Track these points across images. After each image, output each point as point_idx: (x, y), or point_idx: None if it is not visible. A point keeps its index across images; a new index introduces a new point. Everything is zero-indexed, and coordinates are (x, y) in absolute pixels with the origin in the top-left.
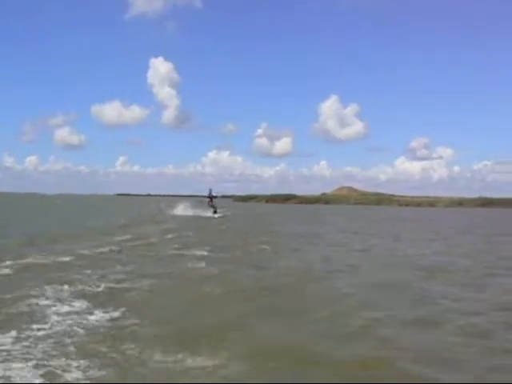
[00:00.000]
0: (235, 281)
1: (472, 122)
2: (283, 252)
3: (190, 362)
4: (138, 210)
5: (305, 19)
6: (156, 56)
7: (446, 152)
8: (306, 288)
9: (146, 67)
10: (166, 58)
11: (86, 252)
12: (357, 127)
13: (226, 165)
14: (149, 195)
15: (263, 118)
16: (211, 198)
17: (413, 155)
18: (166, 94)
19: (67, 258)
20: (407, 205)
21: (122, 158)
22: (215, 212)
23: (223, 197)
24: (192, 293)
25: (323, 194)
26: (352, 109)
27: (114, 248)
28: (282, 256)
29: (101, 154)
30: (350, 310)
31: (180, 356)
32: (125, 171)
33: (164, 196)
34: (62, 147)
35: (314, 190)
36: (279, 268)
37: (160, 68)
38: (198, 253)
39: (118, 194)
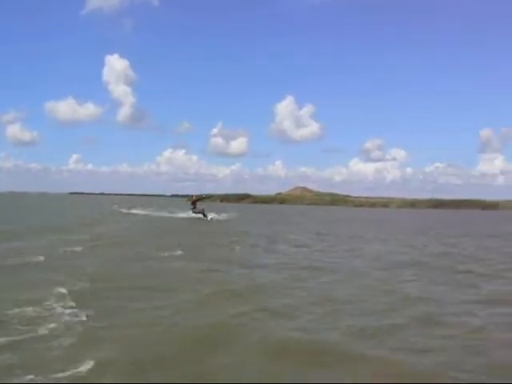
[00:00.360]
0: (220, 281)
1: (425, 125)
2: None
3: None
4: (96, 210)
5: (261, 20)
6: (112, 53)
7: (400, 154)
8: (288, 287)
9: (102, 64)
10: (122, 55)
11: (55, 251)
12: (312, 128)
13: (181, 164)
14: (102, 194)
15: (219, 118)
16: (194, 201)
17: (367, 156)
18: (121, 91)
19: (38, 259)
20: (361, 205)
21: (75, 156)
22: (204, 215)
23: (172, 196)
24: (175, 292)
25: (278, 194)
26: (308, 110)
27: (80, 248)
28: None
29: (54, 152)
30: (339, 307)
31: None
32: (78, 169)
33: (118, 195)
34: (13, 144)
35: (269, 190)
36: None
37: (116, 65)
38: (174, 253)
39: (71, 193)
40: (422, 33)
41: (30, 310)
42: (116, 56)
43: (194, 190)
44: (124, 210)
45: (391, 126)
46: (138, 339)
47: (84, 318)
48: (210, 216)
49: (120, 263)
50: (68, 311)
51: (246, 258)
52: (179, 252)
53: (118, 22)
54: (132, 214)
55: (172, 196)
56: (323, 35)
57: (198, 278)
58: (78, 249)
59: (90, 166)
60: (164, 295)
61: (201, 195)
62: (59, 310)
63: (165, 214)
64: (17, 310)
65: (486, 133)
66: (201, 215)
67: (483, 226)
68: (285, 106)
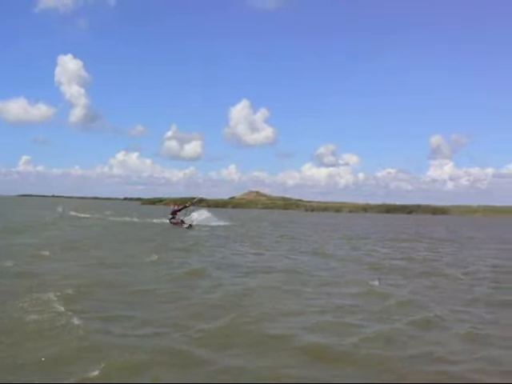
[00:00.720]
0: (207, 286)
1: (377, 130)
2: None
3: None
4: (48, 212)
5: (216, 24)
6: (65, 53)
7: (352, 159)
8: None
9: (54, 64)
10: (76, 56)
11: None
12: (266, 133)
13: (135, 167)
14: (53, 196)
15: (173, 120)
16: (176, 211)
17: (320, 161)
18: (74, 92)
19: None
20: (313, 210)
21: (25, 158)
22: (183, 222)
23: (125, 199)
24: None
25: (231, 198)
26: (262, 114)
27: (47, 253)
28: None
29: (3, 153)
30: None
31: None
32: (28, 171)
33: (70, 198)
34: None
35: (223, 194)
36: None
37: (69, 66)
38: (149, 258)
39: (21, 195)
40: (373, 41)
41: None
42: (69, 56)
43: (146, 194)
44: (76, 214)
45: (344, 131)
46: (135, 344)
47: (79, 324)
48: (185, 225)
49: (96, 269)
50: (57, 317)
51: (223, 261)
52: (155, 257)
53: (72, 21)
54: (85, 217)
55: (125, 199)
56: (277, 39)
57: (182, 283)
58: (46, 253)
59: (40, 168)
60: (148, 302)
61: (185, 203)
62: (47, 315)
63: (125, 218)
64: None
65: (435, 139)
66: (179, 223)
67: (434, 230)
68: (239, 110)
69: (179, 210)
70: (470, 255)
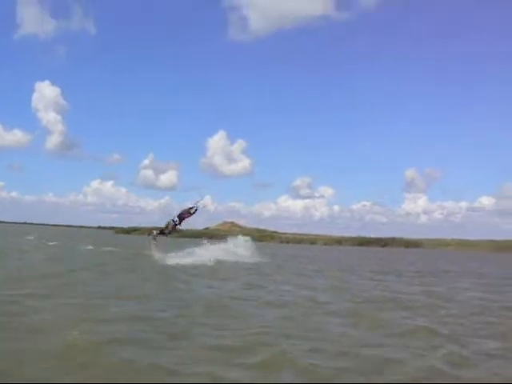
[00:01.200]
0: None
1: (353, 163)
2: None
3: None
4: (22, 240)
5: (195, 55)
6: (43, 79)
7: (327, 191)
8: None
9: (32, 90)
10: (53, 83)
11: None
12: (243, 163)
13: (110, 195)
14: (26, 223)
15: (150, 150)
16: (185, 217)
17: (296, 193)
18: (51, 119)
19: None
20: (288, 242)
21: None
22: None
23: (99, 227)
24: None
25: (206, 229)
26: (239, 145)
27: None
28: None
29: None
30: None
31: None
32: (2, 197)
33: (43, 225)
34: None
35: (198, 224)
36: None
37: (46, 92)
38: (145, 292)
39: None
40: (349, 72)
41: None
42: (47, 83)
43: (121, 222)
44: (49, 242)
45: (320, 163)
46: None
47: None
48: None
49: (104, 305)
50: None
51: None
52: (147, 290)
53: (51, 48)
54: (58, 246)
55: (99, 227)
56: (256, 72)
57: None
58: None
59: (14, 194)
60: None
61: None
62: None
63: (104, 248)
64: None
65: (410, 172)
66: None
67: (410, 263)
68: (217, 141)
69: (190, 215)
70: (449, 288)
